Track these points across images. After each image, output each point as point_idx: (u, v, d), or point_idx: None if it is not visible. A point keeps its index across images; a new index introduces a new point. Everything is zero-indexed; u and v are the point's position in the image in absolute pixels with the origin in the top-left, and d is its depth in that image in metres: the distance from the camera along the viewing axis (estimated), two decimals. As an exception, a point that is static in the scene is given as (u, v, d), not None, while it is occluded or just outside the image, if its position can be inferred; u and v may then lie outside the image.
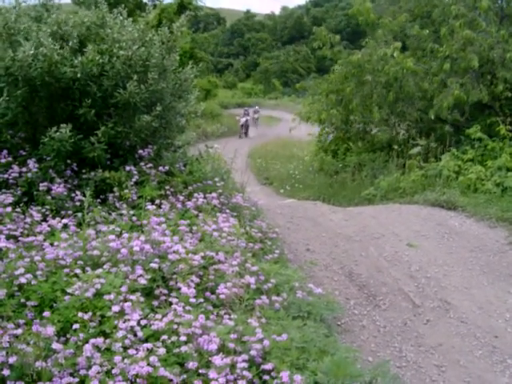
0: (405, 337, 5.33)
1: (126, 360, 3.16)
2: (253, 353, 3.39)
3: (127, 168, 6.12)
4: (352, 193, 12.88)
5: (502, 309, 6.06)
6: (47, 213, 5.30)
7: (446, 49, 13.41)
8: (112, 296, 3.70)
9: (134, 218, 5.17)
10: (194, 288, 4.02)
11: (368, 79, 14.21)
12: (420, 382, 4.74)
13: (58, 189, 5.64)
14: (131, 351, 3.24)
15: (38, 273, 4.00)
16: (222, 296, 4.07)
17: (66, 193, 5.69)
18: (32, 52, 5.90)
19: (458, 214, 9.06)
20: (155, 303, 3.91)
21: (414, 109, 14.42)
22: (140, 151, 6.46)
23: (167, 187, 6.07)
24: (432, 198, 9.92)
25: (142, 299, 3.77)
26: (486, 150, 11.88)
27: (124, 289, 3.79)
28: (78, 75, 6.10)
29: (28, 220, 5.01)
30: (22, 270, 3.92)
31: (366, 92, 14.44)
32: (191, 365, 3.22)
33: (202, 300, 4.00)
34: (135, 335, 3.45)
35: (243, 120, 32.50)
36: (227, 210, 5.88)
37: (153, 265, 4.13)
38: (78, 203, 5.57)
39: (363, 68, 14.45)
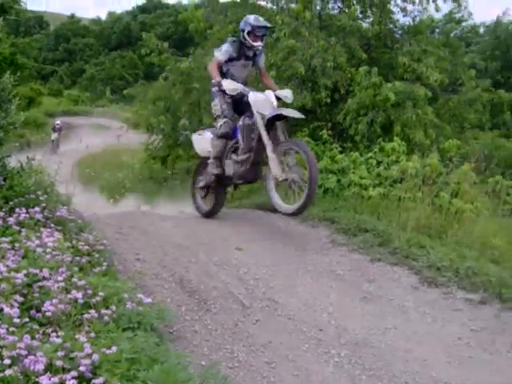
0: (236, 338, 5.49)
1: None
2: (82, 368, 3.35)
3: None
4: (183, 199, 12.97)
5: (326, 303, 6.44)
6: None
7: (271, 57, 13.99)
8: None
9: (-50, 238, 4.86)
10: (18, 308, 3.87)
11: (195, 87, 14.42)
12: (252, 380, 4.90)
13: None
14: None
15: None
16: (48, 313, 3.95)
17: None
18: None
19: (283, 216, 9.46)
20: (-25, 327, 3.72)
21: None
22: (-46, 166, 6.07)
23: (-14, 203, 5.77)
24: (259, 201, 10.30)
25: (-40, 324, 3.58)
26: (309, 153, 12.52)
27: None
28: None
29: None
30: None
31: (194, 99, 14.65)
32: (16, 388, 3.13)
33: (27, 319, 3.86)
34: (-47, 364, 3.27)
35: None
36: (52, 225, 5.70)
37: (-29, 286, 3.93)
38: None
39: (191, 76, 14.64)
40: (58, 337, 3.66)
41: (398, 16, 16.12)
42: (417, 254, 7.85)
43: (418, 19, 15.89)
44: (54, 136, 30.89)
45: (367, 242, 8.29)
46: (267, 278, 6.87)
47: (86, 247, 5.53)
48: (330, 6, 16.40)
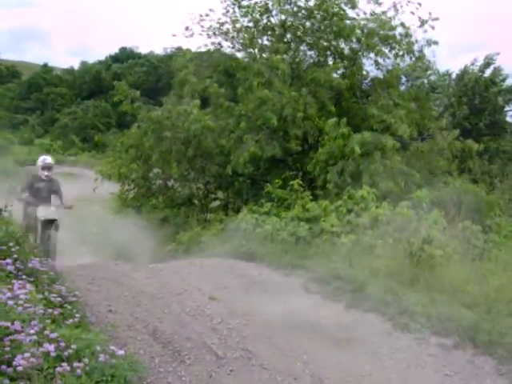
0: (210, 389, 5.44)
1: None
2: (53, 424, 3.30)
3: None
4: (155, 249, 12.92)
5: (300, 351, 6.43)
6: None
7: (242, 107, 14.21)
8: None
9: None
10: (-12, 363, 3.82)
11: (167, 135, 14.53)
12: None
13: None
14: None
15: None
16: (19, 368, 3.89)
17: None
18: None
19: (256, 265, 9.48)
20: None
21: (213, 164, 14.95)
22: None
23: (-43, 255, 5.71)
24: (232, 250, 10.30)
25: None
26: (280, 203, 12.65)
27: None
28: None
29: None
30: None
31: (166, 148, 14.73)
32: None
33: (-3, 375, 3.81)
34: None
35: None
36: (24, 276, 5.65)
37: None
38: None
39: (163, 124, 14.76)
40: (29, 391, 3.61)
41: (370, 68, 16.55)
42: (389, 300, 7.90)
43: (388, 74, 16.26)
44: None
45: (340, 289, 8.32)
46: (241, 328, 6.85)
47: (59, 299, 5.47)
48: (305, 57, 16.83)
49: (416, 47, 16.03)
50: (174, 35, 18.10)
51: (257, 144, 13.96)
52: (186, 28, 16.88)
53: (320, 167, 13.61)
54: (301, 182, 13.06)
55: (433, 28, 15.42)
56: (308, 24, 16.15)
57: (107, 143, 18.99)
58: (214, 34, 16.84)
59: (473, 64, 28.03)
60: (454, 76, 28.66)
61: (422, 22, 15.32)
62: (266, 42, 16.66)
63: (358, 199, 11.78)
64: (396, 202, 11.57)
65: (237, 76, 16.07)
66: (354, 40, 15.83)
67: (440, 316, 7.27)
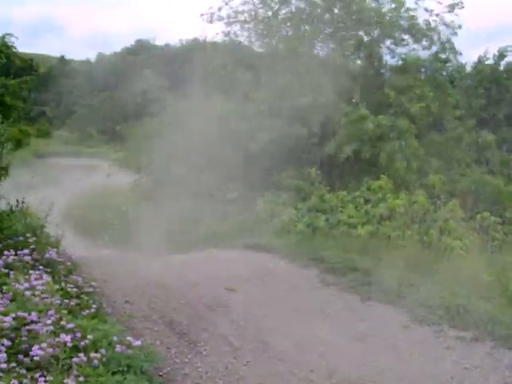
0: (226, 380, 5.41)
1: None
2: (71, 414, 3.30)
3: None
4: (172, 240, 12.92)
5: (316, 343, 6.38)
6: None
7: (262, 94, 14.25)
8: None
9: None
10: (6, 352, 3.82)
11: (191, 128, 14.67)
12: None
13: None
14: None
15: None
16: (36, 358, 3.90)
17: None
18: None
19: (273, 256, 9.46)
20: (-39, 373, 3.66)
21: (236, 150, 14.97)
22: None
23: (-25, 246, 5.74)
24: (249, 241, 10.31)
25: None
26: (297, 193, 12.62)
27: None
28: None
29: None
30: None
31: (189, 139, 14.85)
32: None
33: (14, 364, 3.81)
34: None
35: None
36: (41, 267, 5.67)
37: (-42, 331, 3.88)
38: None
39: (189, 116, 14.91)
40: (46, 382, 3.61)
41: (387, 57, 16.45)
42: (407, 292, 7.84)
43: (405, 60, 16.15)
44: None
45: (357, 281, 8.28)
46: (257, 319, 6.83)
47: (75, 289, 5.49)
48: (322, 44, 16.76)
49: (442, 36, 15.83)
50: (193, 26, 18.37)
51: (277, 128, 14.03)
52: (202, 14, 16.96)
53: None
54: (319, 172, 13.02)
55: (457, 15, 15.22)
56: (327, 15, 16.08)
57: (125, 135, 19.03)
58: (230, 23, 16.81)
59: (484, 56, 27.67)
60: (468, 67, 28.28)
61: (452, 7, 15.09)
62: (283, 33, 16.59)
63: (376, 189, 11.72)
64: (412, 192, 11.51)
65: (256, 65, 16.04)
66: (375, 29, 15.70)
67: (458, 308, 7.20)
